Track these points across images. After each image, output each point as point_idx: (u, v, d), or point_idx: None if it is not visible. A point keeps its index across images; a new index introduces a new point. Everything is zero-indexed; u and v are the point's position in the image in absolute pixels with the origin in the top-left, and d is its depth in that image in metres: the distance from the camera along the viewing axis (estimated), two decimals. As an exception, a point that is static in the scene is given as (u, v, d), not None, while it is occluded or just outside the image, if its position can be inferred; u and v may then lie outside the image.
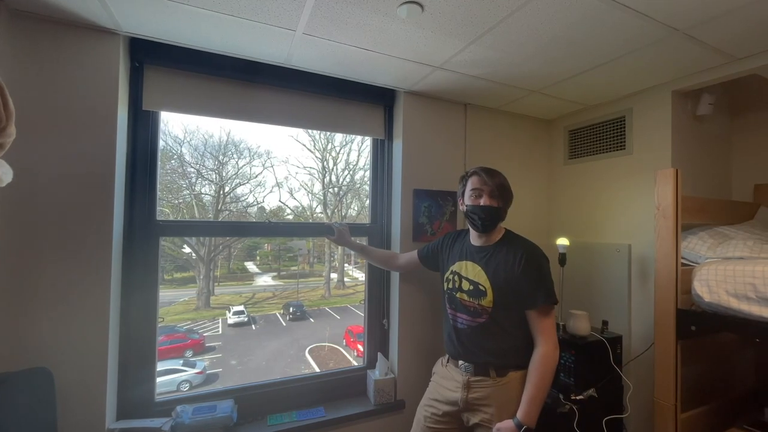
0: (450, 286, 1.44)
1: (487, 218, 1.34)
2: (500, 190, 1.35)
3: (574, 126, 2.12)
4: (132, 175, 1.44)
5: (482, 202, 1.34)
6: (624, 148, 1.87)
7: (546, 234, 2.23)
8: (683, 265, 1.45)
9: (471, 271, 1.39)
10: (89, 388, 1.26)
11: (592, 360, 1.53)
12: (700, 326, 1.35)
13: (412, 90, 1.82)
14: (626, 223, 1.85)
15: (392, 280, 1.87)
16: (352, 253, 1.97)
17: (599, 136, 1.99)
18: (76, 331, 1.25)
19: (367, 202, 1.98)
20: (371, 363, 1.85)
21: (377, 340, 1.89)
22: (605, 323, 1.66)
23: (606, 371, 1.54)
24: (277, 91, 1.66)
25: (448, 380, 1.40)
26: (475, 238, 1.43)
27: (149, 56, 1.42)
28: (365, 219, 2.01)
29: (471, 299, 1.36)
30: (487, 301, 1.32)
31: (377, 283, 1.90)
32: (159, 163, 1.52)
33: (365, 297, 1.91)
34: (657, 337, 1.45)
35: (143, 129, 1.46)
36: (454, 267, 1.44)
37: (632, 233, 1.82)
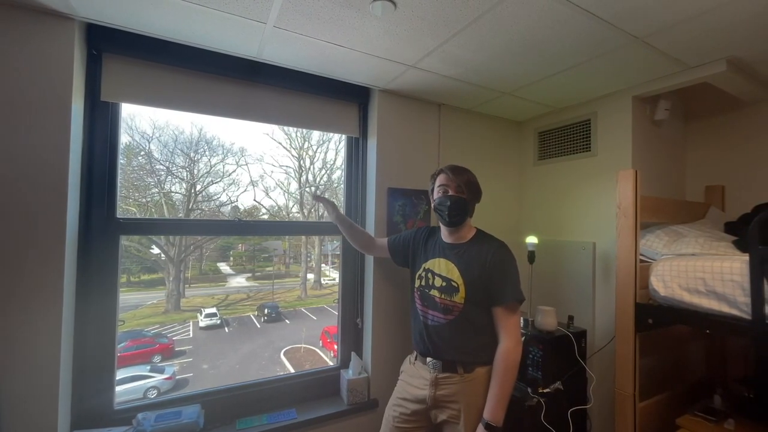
0: (422, 283, 1.44)
1: (453, 209, 1.36)
2: (467, 186, 1.38)
3: (543, 128, 2.19)
4: (89, 171, 1.35)
5: (449, 194, 1.38)
6: (589, 150, 1.94)
7: (516, 232, 2.29)
8: (642, 261, 1.52)
9: (444, 268, 1.40)
10: (39, 400, 1.17)
11: (558, 354, 1.58)
12: (657, 319, 1.43)
13: (387, 88, 1.81)
14: (591, 222, 1.93)
15: (366, 278, 1.86)
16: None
17: (567, 138, 2.07)
18: (24, 340, 1.15)
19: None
20: (345, 363, 1.83)
21: (351, 339, 1.87)
22: (571, 318, 1.72)
23: (571, 364, 1.60)
24: (248, 86, 1.61)
25: (416, 378, 1.41)
26: (446, 235, 1.45)
27: (108, 44, 1.34)
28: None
29: (443, 296, 1.37)
30: (459, 297, 1.33)
31: (351, 282, 1.89)
32: (120, 157, 1.43)
33: (339, 296, 1.89)
34: (618, 330, 1.52)
35: (102, 121, 1.37)
36: (427, 264, 1.45)
37: (596, 232, 1.90)
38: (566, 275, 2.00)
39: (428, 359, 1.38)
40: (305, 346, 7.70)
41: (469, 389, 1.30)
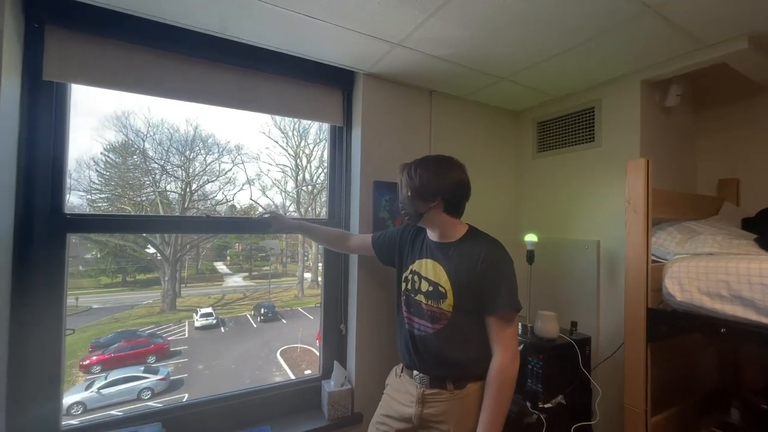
0: (408, 287, 1.27)
1: (402, 210, 1.28)
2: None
3: (543, 118, 2.01)
4: (29, 160, 1.17)
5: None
6: (593, 140, 1.77)
7: (514, 230, 2.11)
8: (653, 262, 1.35)
9: (431, 270, 1.22)
10: (-39, 421, 1.00)
11: (560, 364, 1.41)
12: (672, 327, 1.25)
13: (372, 72, 1.64)
14: (595, 218, 1.76)
15: (350, 280, 1.68)
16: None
17: (568, 128, 1.89)
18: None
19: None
20: (327, 373, 1.66)
21: (334, 347, 1.69)
22: (574, 324, 1.54)
23: (575, 376, 1.42)
24: (216, 68, 1.44)
25: (401, 393, 1.23)
26: (432, 234, 1.28)
27: (52, 15, 1.16)
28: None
29: (430, 302, 1.20)
30: (447, 304, 1.16)
31: (334, 284, 1.71)
32: (68, 144, 1.26)
33: (321, 300, 1.72)
34: (627, 338, 1.34)
35: (44, 103, 1.20)
36: (414, 266, 1.28)
37: (601, 229, 1.72)
38: (568, 276, 1.82)
39: (415, 373, 1.21)
40: (302, 346, 7.54)
41: (459, 407, 1.13)
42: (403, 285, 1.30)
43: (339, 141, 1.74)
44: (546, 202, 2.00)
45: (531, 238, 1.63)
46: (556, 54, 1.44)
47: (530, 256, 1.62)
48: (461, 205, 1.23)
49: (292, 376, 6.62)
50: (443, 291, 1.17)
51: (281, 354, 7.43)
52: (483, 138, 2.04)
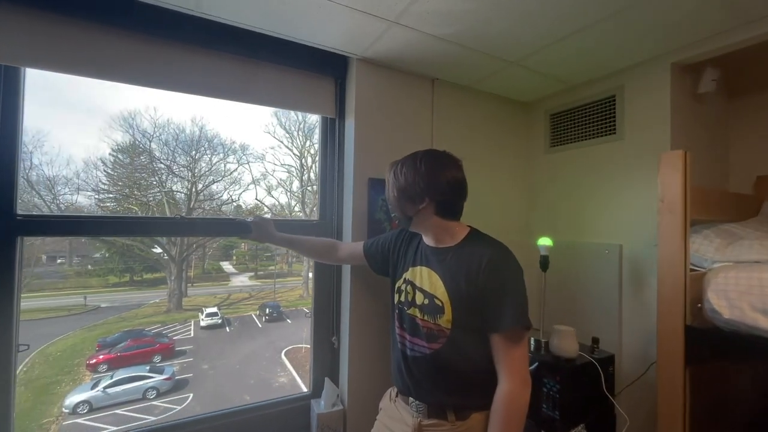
0: (402, 298, 1.09)
1: (393, 216, 1.15)
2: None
3: (556, 109, 1.81)
4: (-28, 153, 1.02)
5: None
6: (614, 133, 1.56)
7: (526, 233, 1.91)
8: (690, 270, 1.14)
9: (426, 279, 1.04)
10: None
11: (580, 387, 1.21)
12: (717, 349, 1.05)
13: (367, 57, 1.45)
14: (616, 219, 1.55)
15: (343, 287, 1.50)
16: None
17: (585, 119, 1.68)
18: None
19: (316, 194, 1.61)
20: (317, 391, 1.48)
21: (325, 362, 1.51)
22: (596, 341, 1.34)
23: (597, 401, 1.22)
24: (193, 52, 1.27)
25: (395, 421, 1.06)
26: (427, 238, 1.09)
27: (-4, -10, 1.01)
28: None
29: (426, 317, 1.01)
30: (445, 319, 0.97)
31: (325, 291, 1.53)
32: (21, 136, 1.10)
33: (311, 308, 1.54)
34: (660, 360, 1.14)
35: (-10, 90, 1.04)
36: (408, 274, 1.09)
37: (623, 231, 1.52)
38: (586, 285, 1.61)
39: (410, 399, 1.03)
40: (306, 347, 7.41)
41: (462, 441, 0.94)
42: (396, 296, 1.12)
43: (331, 134, 1.56)
44: (560, 201, 1.79)
45: (545, 242, 1.43)
46: (572, 33, 1.25)
47: (544, 263, 1.42)
48: (457, 205, 1.05)
49: (297, 378, 6.51)
50: (440, 304, 0.99)
51: (286, 354, 7.32)
52: (490, 132, 1.84)
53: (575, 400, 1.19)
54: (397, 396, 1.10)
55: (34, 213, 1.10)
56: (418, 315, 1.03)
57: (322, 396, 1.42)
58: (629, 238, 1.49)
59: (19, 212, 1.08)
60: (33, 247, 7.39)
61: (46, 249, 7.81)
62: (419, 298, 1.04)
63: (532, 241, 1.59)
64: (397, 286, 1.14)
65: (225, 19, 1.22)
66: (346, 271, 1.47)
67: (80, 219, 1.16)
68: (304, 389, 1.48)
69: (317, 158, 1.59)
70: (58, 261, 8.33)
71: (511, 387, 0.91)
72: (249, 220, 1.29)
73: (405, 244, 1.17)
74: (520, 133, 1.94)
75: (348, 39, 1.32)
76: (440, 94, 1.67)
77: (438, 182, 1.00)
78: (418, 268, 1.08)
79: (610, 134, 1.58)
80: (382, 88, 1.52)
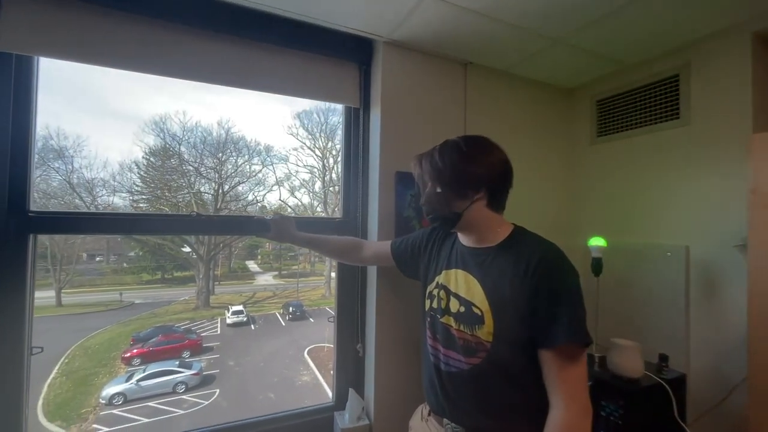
0: (434, 305, 0.95)
1: (427, 212, 0.96)
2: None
3: (605, 94, 1.60)
4: (-17, 147, 0.96)
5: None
6: (677, 118, 1.35)
7: (569, 233, 1.70)
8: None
9: (462, 284, 0.89)
10: None
11: (647, 413, 1.02)
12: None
13: (394, 39, 1.32)
14: (680, 217, 1.33)
15: (368, 290, 1.37)
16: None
17: (641, 104, 1.47)
18: None
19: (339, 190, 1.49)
20: (341, 402, 1.35)
21: (350, 371, 1.39)
22: (663, 358, 1.14)
23: (667, 429, 1.03)
24: (208, 37, 1.17)
25: None
26: (466, 237, 0.94)
27: (7, -25, 0.95)
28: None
29: (462, 327, 0.86)
30: (485, 331, 0.82)
31: (349, 293, 1.41)
32: (35, 130, 1.04)
33: (335, 312, 1.42)
34: (754, 380, 0.93)
35: (3, 79, 0.98)
36: (441, 278, 0.95)
37: (690, 231, 1.30)
38: (646, 293, 1.40)
39: (445, 421, 0.89)
40: (328, 346, 7.38)
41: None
42: (427, 303, 0.98)
43: (355, 125, 1.43)
44: (610, 197, 1.58)
45: (598, 242, 1.24)
46: (630, 1, 1.06)
47: (597, 266, 1.23)
48: (505, 195, 0.91)
49: (319, 376, 6.47)
50: (479, 313, 0.84)
51: (308, 353, 7.32)
52: (528, 122, 1.66)
53: (642, 428, 1.00)
54: (429, 415, 0.96)
55: (47, 210, 1.04)
56: (453, 324, 0.89)
57: (347, 408, 1.29)
58: (698, 239, 1.27)
59: (32, 209, 1.02)
60: (75, 246, 7.78)
61: (86, 247, 8.20)
62: (454, 306, 0.90)
63: (577, 242, 1.40)
64: (428, 290, 1.00)
65: (239, 0, 1.11)
66: (372, 272, 1.34)
67: (90, 216, 1.09)
68: (327, 389, 1.35)
69: (341, 150, 1.46)
70: (97, 259, 8.72)
71: (568, 416, 0.74)
72: (268, 218, 1.18)
73: (438, 244, 1.03)
74: (561, 123, 1.75)
75: (373, 17, 1.19)
76: (473, 81, 1.51)
77: (493, 166, 0.86)
78: (453, 271, 0.93)
79: (671, 119, 1.37)
80: (410, 75, 1.38)
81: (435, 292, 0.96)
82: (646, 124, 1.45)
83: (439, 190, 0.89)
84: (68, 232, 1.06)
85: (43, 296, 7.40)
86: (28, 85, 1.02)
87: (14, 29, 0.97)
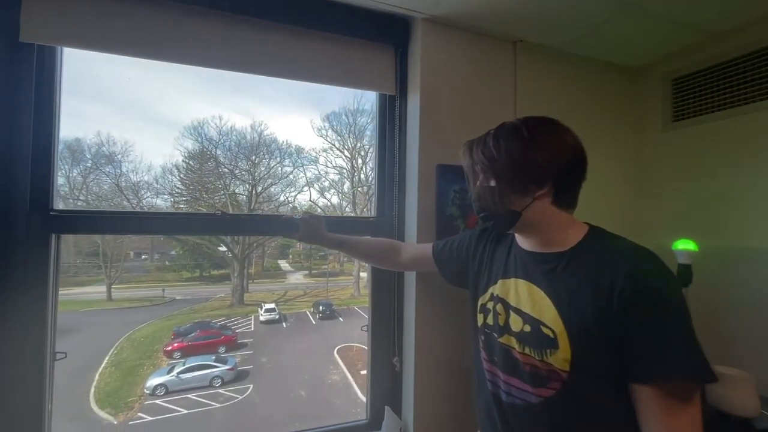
0: (489, 321, 0.78)
1: (477, 212, 0.78)
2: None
3: (683, 71, 1.35)
4: (5, 144, 0.91)
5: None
6: (784, 94, 1.09)
7: (637, 233, 1.46)
8: None
9: (525, 297, 0.72)
10: None
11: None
12: None
13: (434, 15, 1.15)
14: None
15: (406, 297, 1.22)
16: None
17: (730, 81, 1.21)
18: None
19: (373, 183, 1.34)
20: (375, 420, 1.21)
21: (385, 387, 1.24)
22: (785, 394, 0.90)
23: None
24: (234, 22, 1.07)
25: None
26: (527, 240, 0.77)
27: (28, -40, 0.89)
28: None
29: (528, 351, 0.69)
30: (560, 358, 0.64)
31: (385, 301, 1.26)
32: (59, 125, 0.98)
33: (368, 320, 1.28)
34: None
35: (23, 72, 0.92)
36: (496, 289, 0.78)
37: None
38: (747, 309, 1.14)
39: None
40: (358, 345, 7.31)
41: None
42: (479, 317, 0.82)
43: (390, 115, 1.28)
44: (691, 191, 1.33)
45: (687, 246, 1.01)
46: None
47: (686, 274, 1.00)
48: (577, 189, 0.73)
49: (349, 376, 6.44)
50: (550, 335, 0.66)
51: (338, 352, 7.31)
52: (586, 106, 1.43)
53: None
54: (486, 451, 0.80)
55: (71, 209, 0.98)
56: (516, 347, 0.72)
57: (383, 428, 1.15)
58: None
59: (53, 209, 0.96)
60: (123, 245, 8.26)
61: (133, 246, 8.68)
62: (516, 323, 0.73)
63: (649, 245, 1.16)
64: (480, 303, 0.83)
65: (268, -24, 1.00)
66: (410, 277, 1.19)
67: (115, 215, 1.02)
68: (356, 390, 1.21)
69: (374, 143, 1.32)
70: (143, 257, 9.21)
71: None
72: (297, 217, 1.06)
73: (490, 248, 0.86)
74: (626, 108, 1.50)
75: (413, -11, 1.04)
76: (524, 61, 1.32)
77: (562, 154, 0.68)
78: (512, 280, 0.76)
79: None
80: (452, 56, 1.21)
81: (489, 305, 0.80)
82: (741, 103, 1.19)
83: (492, 183, 0.72)
84: (92, 232, 1.00)
85: (95, 291, 7.92)
86: (51, 79, 0.96)
87: (36, 18, 0.91)
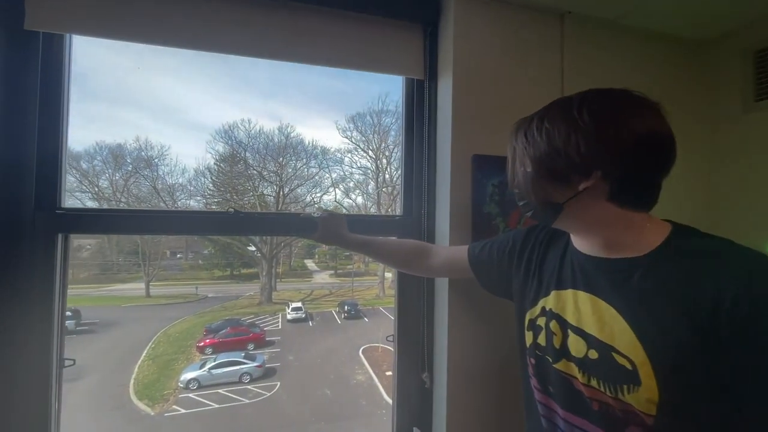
0: (540, 341, 0.63)
1: (525, 211, 0.63)
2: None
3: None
4: (6, 139, 0.85)
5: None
6: None
7: (718, 231, 1.23)
8: None
9: (589, 314, 0.56)
10: None
11: None
12: None
13: (469, -17, 1.00)
14: None
15: (437, 305, 1.07)
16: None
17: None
18: None
19: (397, 183, 1.20)
20: (402, 443, 1.07)
21: (413, 405, 1.09)
22: None
23: None
24: (248, 3, 0.98)
25: None
26: (584, 241, 0.61)
27: (32, -57, 0.82)
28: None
29: (595, 383, 0.54)
30: (642, 398, 0.49)
31: (414, 304, 1.11)
32: (67, 119, 0.92)
33: (394, 328, 1.14)
34: None
35: (28, 61, 0.86)
36: (549, 302, 0.63)
37: None
38: None
39: None
40: (382, 346, 7.21)
41: None
42: (528, 336, 0.66)
43: (419, 101, 1.13)
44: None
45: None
46: None
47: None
48: (652, 184, 0.56)
49: (374, 377, 6.37)
50: (627, 366, 0.50)
51: (363, 352, 7.25)
52: (647, 86, 1.20)
53: None
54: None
55: (79, 207, 0.92)
56: (579, 377, 0.56)
57: (411, 454, 1.01)
58: None
59: (60, 208, 0.89)
60: (160, 244, 8.63)
61: (169, 245, 9.05)
62: (577, 347, 0.57)
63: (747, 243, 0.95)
64: (528, 318, 0.67)
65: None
66: (443, 281, 1.04)
67: (124, 213, 0.94)
68: (382, 391, 1.07)
69: (400, 133, 1.18)
70: (178, 256, 9.57)
71: None
72: (316, 216, 0.94)
73: (539, 251, 0.70)
74: (694, 87, 1.27)
75: (446, -48, 0.89)
76: (572, 36, 1.13)
77: (619, 141, 0.51)
78: (570, 292, 0.60)
79: None
80: (490, 32, 1.05)
81: (540, 322, 0.64)
82: None
83: (528, 170, 0.57)
84: (102, 231, 0.93)
85: (135, 287, 8.32)
86: (59, 69, 0.90)
87: (42, 4, 0.84)
